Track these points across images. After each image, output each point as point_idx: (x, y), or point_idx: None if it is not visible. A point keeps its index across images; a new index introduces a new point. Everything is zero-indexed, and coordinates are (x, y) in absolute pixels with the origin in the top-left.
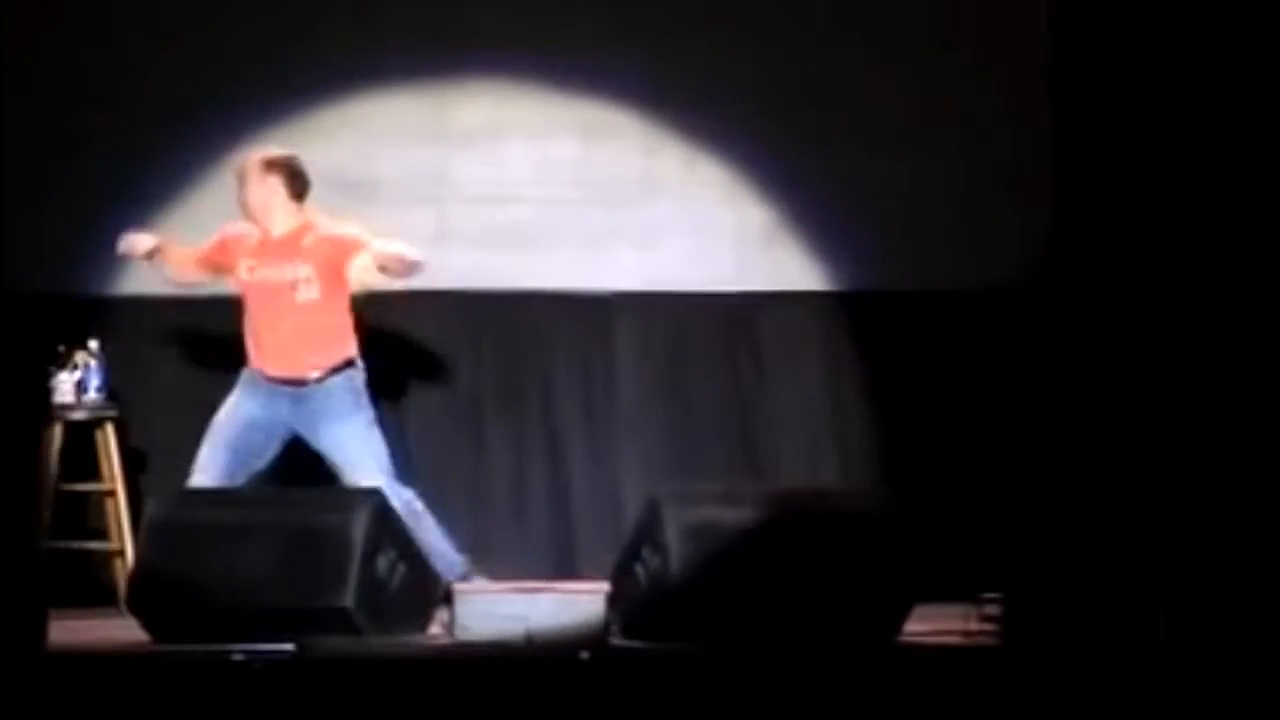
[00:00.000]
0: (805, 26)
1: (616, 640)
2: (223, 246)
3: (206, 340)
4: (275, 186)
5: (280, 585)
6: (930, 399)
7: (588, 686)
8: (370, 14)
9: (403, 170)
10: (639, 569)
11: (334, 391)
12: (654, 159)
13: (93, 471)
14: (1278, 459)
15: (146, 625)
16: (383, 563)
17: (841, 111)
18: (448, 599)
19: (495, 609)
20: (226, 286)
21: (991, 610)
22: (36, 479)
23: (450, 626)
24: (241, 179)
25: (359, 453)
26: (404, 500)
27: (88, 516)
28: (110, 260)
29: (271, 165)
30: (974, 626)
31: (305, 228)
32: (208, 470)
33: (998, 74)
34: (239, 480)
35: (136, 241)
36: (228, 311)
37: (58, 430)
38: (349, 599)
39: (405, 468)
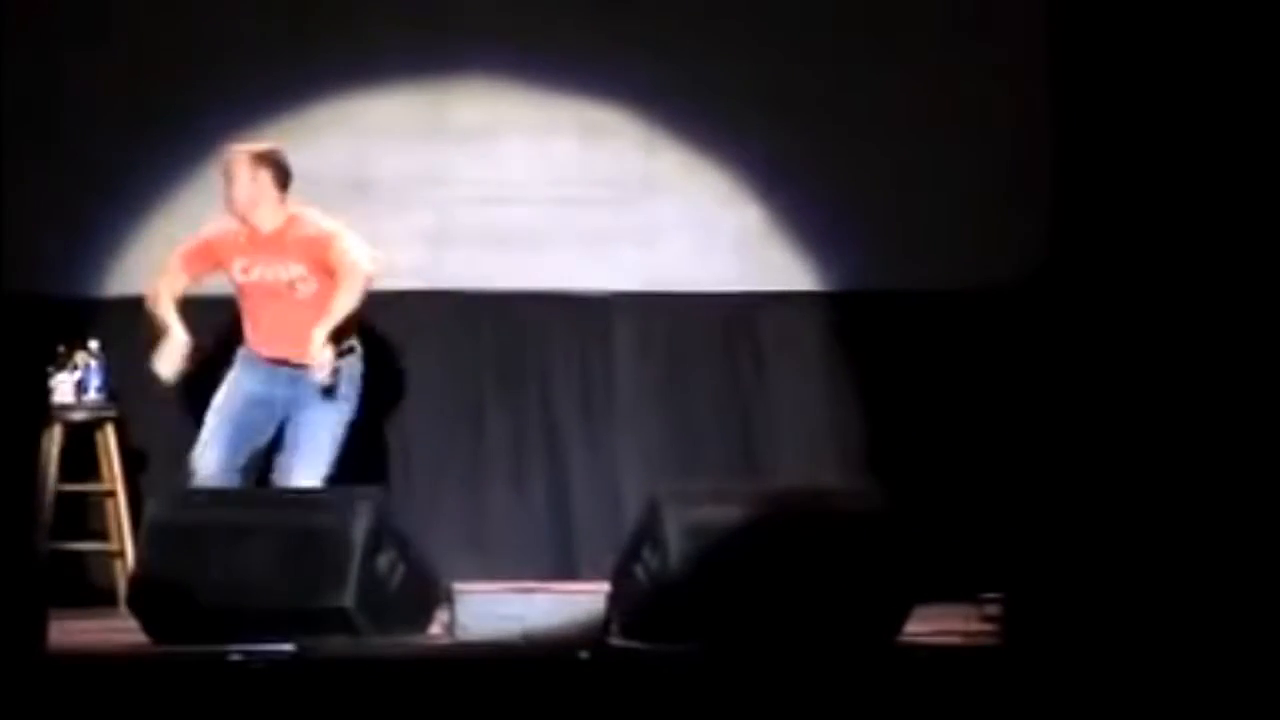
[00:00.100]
0: (805, 27)
1: (616, 640)
2: (207, 251)
3: (207, 340)
4: (266, 182)
5: (280, 585)
6: (930, 399)
7: (587, 686)
8: (368, 12)
9: (401, 170)
10: (639, 569)
11: (328, 390)
12: (654, 159)
13: (93, 472)
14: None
15: (146, 626)
16: (382, 563)
17: (841, 111)
18: (448, 599)
19: (495, 609)
20: (227, 287)
21: (991, 610)
22: (36, 479)
23: (450, 626)
24: (229, 174)
25: (320, 445)
26: None
27: (88, 517)
28: (109, 260)
29: (262, 159)
30: (974, 626)
31: (291, 221)
32: (212, 445)
33: (998, 74)
34: (242, 456)
35: (170, 359)
36: (228, 312)
37: (58, 431)
38: (349, 599)
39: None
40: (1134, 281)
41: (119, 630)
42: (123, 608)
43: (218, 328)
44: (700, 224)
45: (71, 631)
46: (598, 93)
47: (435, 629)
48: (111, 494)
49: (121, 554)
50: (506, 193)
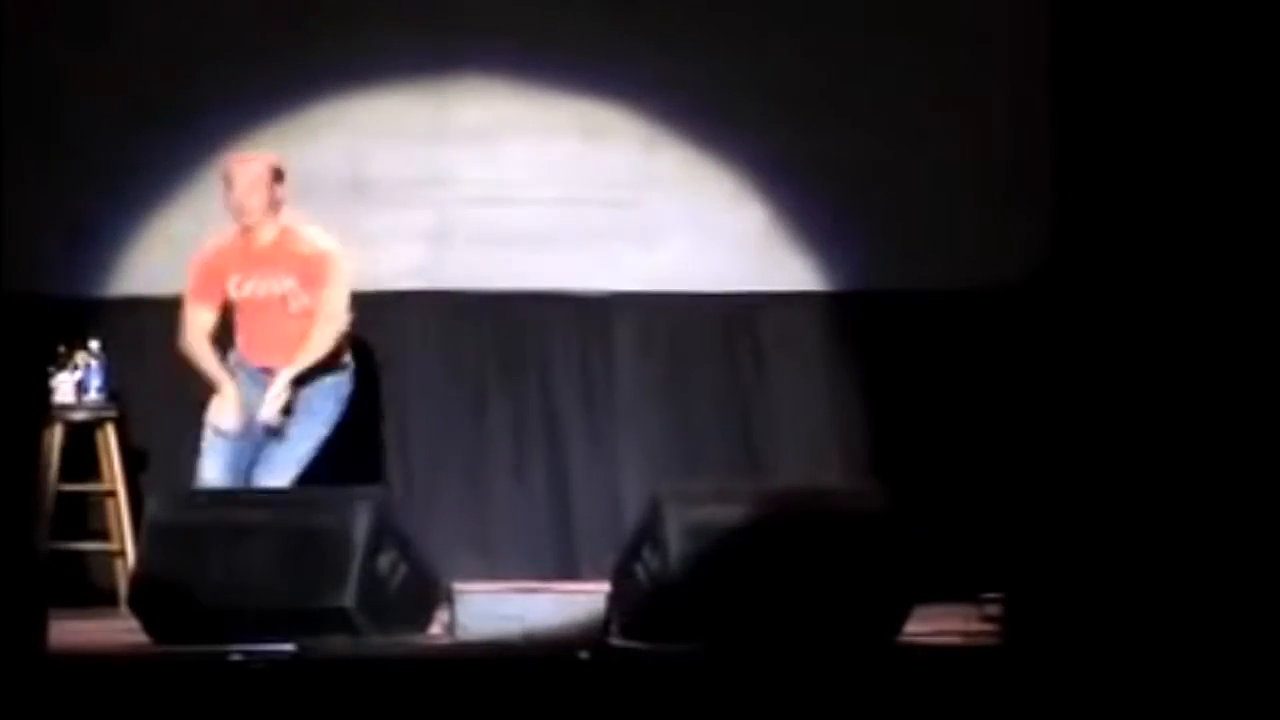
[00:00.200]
0: (806, 26)
1: (616, 640)
2: (210, 274)
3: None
4: (278, 194)
5: (280, 585)
6: (930, 399)
7: (587, 686)
8: (368, 12)
9: (401, 170)
10: (639, 569)
11: (322, 388)
12: (654, 158)
13: (93, 472)
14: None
15: (147, 626)
16: (383, 563)
17: (842, 111)
18: (448, 599)
19: (495, 609)
20: None
21: (992, 610)
22: (36, 479)
23: (450, 626)
24: (243, 182)
25: (291, 457)
26: None
27: (88, 517)
28: (109, 260)
29: (277, 171)
30: (974, 626)
31: (285, 234)
32: (212, 453)
33: (999, 73)
34: (244, 460)
35: (229, 413)
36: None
37: (58, 430)
38: (349, 599)
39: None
40: (1136, 281)
41: (119, 630)
42: (123, 608)
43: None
44: (701, 224)
45: (71, 631)
46: (598, 92)
47: (435, 629)
48: (112, 494)
49: (122, 554)
50: (507, 193)
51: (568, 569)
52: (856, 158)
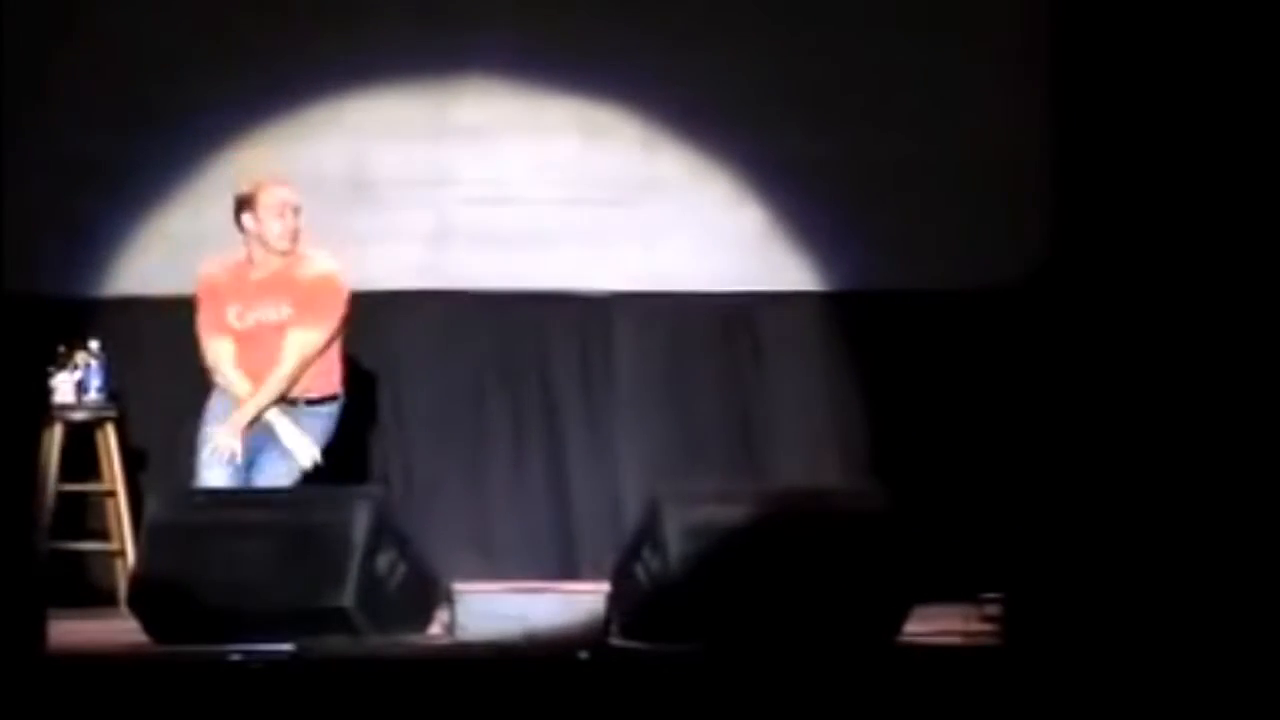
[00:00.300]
0: (806, 27)
1: (616, 640)
2: (216, 297)
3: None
4: (298, 230)
5: (280, 585)
6: (930, 399)
7: (587, 686)
8: (368, 12)
9: (401, 170)
10: (639, 569)
11: (316, 419)
12: (654, 159)
13: (93, 472)
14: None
15: (146, 626)
16: (382, 562)
17: (841, 111)
18: (448, 599)
19: (495, 609)
20: None
21: (991, 610)
22: (36, 479)
23: (450, 626)
24: (283, 211)
25: (272, 480)
26: None
27: (88, 517)
28: (109, 260)
29: (298, 209)
30: (974, 626)
31: (288, 260)
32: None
33: (999, 73)
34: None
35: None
36: None
37: (58, 430)
38: (349, 599)
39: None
40: (1135, 281)
41: (119, 630)
42: (123, 608)
43: None
44: (701, 223)
45: (71, 631)
46: (598, 92)
47: (435, 629)
48: (112, 494)
49: (122, 554)
50: (507, 193)
51: (568, 569)
52: (856, 158)
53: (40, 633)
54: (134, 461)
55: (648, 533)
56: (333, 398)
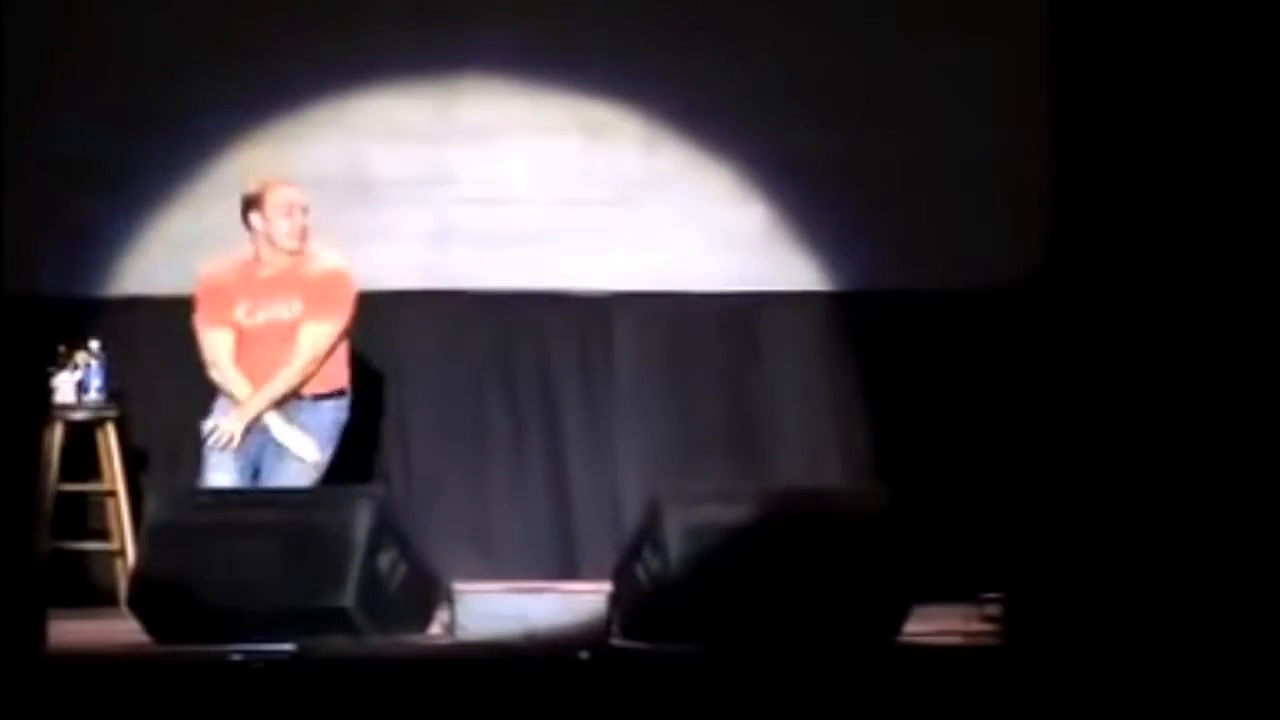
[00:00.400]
0: (806, 26)
1: (617, 640)
2: (223, 299)
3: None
4: (306, 229)
5: (280, 585)
6: (930, 399)
7: (588, 686)
8: (368, 12)
9: (401, 170)
10: (639, 569)
11: (322, 414)
12: (654, 158)
13: (93, 471)
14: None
15: (147, 626)
16: (383, 562)
17: (842, 111)
18: (448, 599)
19: (495, 609)
20: None
21: (992, 610)
22: (36, 479)
23: (450, 626)
24: (292, 210)
25: (286, 480)
26: None
27: (88, 516)
28: (109, 260)
29: (306, 208)
30: (974, 626)
31: (296, 258)
32: (217, 473)
33: (998, 73)
34: (247, 478)
35: (229, 430)
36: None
37: (58, 430)
38: (349, 599)
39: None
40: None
41: (119, 630)
42: (123, 608)
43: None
44: (701, 223)
45: (71, 631)
46: (598, 92)
47: (435, 629)
48: (112, 494)
49: (122, 554)
50: (507, 192)
51: (568, 569)
52: (857, 158)
53: (40, 633)
54: (134, 461)
55: (648, 533)
56: (340, 392)
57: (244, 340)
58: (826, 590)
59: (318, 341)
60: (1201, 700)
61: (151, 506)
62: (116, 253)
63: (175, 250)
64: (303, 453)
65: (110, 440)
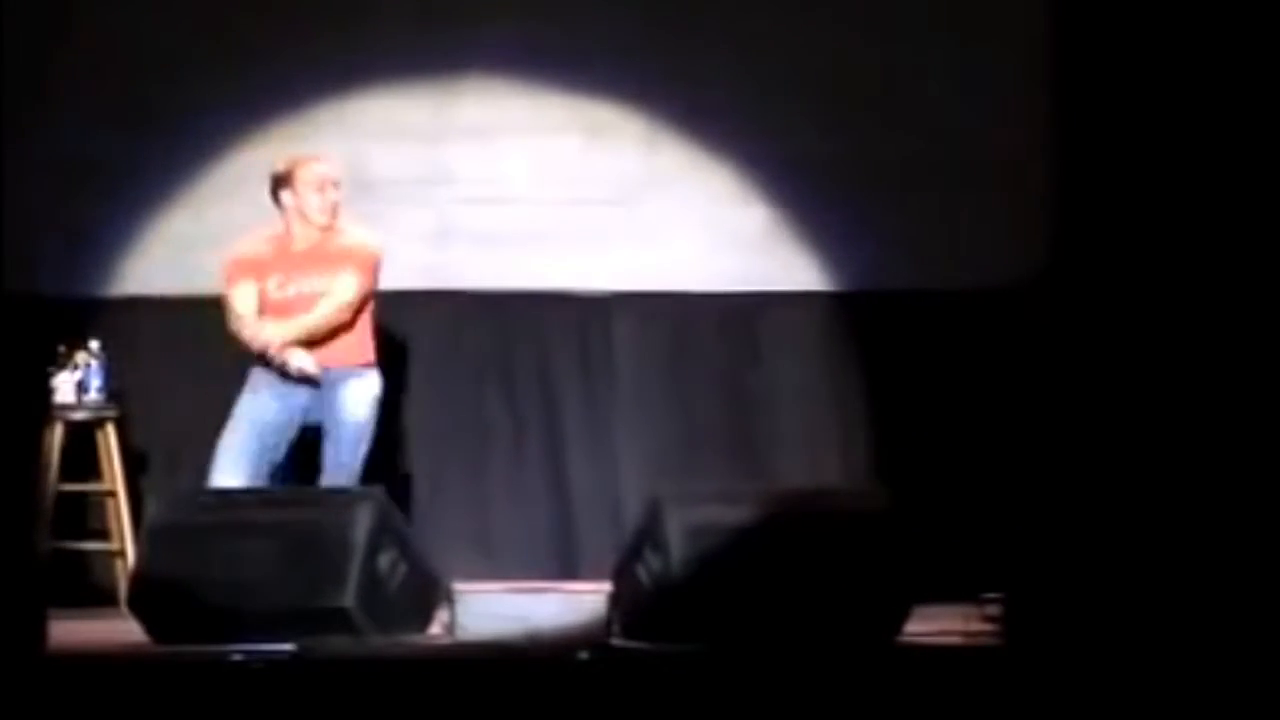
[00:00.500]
0: (806, 26)
1: (617, 640)
2: (252, 269)
3: (207, 340)
4: (338, 204)
5: (280, 585)
6: (930, 399)
7: (588, 686)
8: (368, 12)
9: (401, 170)
10: (640, 569)
11: (353, 385)
12: (654, 158)
13: (93, 472)
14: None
15: (147, 626)
16: (383, 562)
17: (842, 111)
18: (448, 599)
19: (495, 609)
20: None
21: (992, 610)
22: (36, 479)
23: (450, 626)
24: (323, 185)
25: (346, 462)
26: None
27: (88, 516)
28: (109, 260)
29: (337, 183)
30: (974, 626)
31: (327, 233)
32: (231, 470)
33: (1001, 72)
34: (261, 478)
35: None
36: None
37: (58, 430)
38: (349, 599)
39: (404, 469)
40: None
41: (119, 630)
42: (123, 608)
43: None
44: (702, 223)
45: (71, 631)
46: (599, 91)
47: (435, 629)
48: (112, 494)
49: (122, 554)
50: (507, 192)
51: (568, 569)
52: (858, 157)
53: (40, 633)
54: (134, 462)
55: (649, 533)
56: (370, 365)
57: (274, 312)
58: (827, 590)
59: (349, 288)
60: (1201, 700)
61: (151, 507)
62: (117, 253)
63: (175, 251)
64: (354, 413)
65: (110, 440)
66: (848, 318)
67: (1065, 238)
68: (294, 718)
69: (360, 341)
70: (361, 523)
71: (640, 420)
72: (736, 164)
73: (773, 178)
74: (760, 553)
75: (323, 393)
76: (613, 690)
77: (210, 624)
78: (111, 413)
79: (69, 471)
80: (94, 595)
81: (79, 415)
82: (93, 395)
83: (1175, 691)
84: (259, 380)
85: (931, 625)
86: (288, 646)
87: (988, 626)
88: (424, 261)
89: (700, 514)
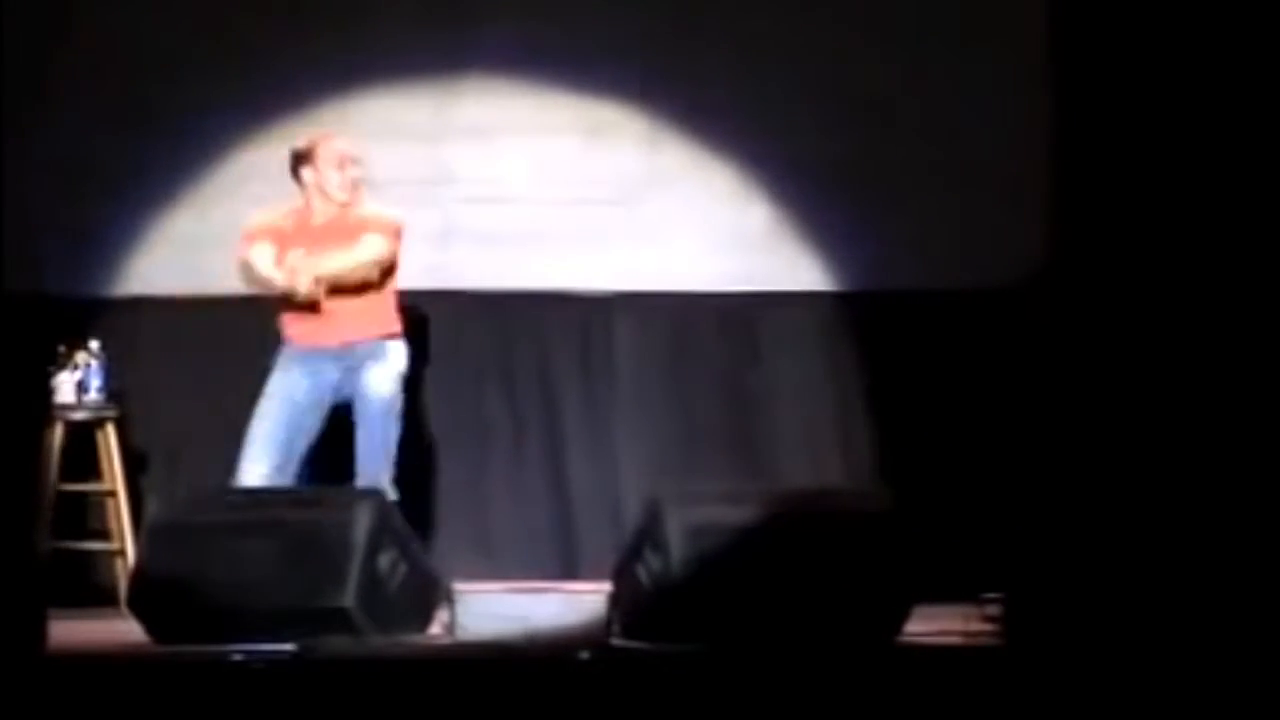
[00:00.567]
0: (807, 26)
1: (617, 641)
2: (276, 235)
3: (208, 340)
4: (358, 181)
5: (281, 585)
6: (931, 399)
7: (588, 686)
8: (369, 12)
9: (403, 170)
10: (640, 569)
11: (380, 358)
12: (654, 158)
13: (93, 471)
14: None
15: (147, 626)
16: (384, 562)
17: (843, 111)
18: (448, 599)
19: (495, 609)
20: (227, 286)
21: (992, 610)
22: (36, 479)
23: (450, 626)
24: (344, 162)
25: (380, 440)
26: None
27: (88, 516)
28: (110, 260)
29: (357, 160)
30: (974, 626)
31: (346, 209)
32: (262, 456)
33: (1001, 73)
34: (293, 462)
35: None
36: (228, 312)
37: (58, 430)
38: (349, 599)
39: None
40: (1135, 282)
41: (119, 630)
42: (123, 608)
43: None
44: (703, 223)
45: (71, 631)
46: (600, 91)
47: (435, 629)
48: (112, 494)
49: (122, 554)
50: (508, 192)
51: (568, 569)
52: (858, 157)
53: (40, 633)
54: (134, 462)
55: (649, 533)
56: (394, 335)
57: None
58: (827, 590)
59: (377, 245)
60: (1201, 700)
61: (152, 506)
62: (118, 253)
63: (177, 251)
64: (381, 389)
65: (110, 440)
66: (849, 317)
67: (1064, 238)
68: (294, 718)
69: (386, 311)
70: (361, 523)
71: (640, 420)
72: (737, 164)
73: (774, 177)
74: (760, 553)
75: (351, 369)
76: (613, 690)
77: (210, 624)
78: (112, 413)
79: (69, 471)
80: (94, 595)
81: (79, 415)
82: (93, 395)
83: (1175, 691)
84: (289, 358)
85: (931, 625)
86: (288, 646)
87: (988, 626)
88: (425, 261)
89: (700, 514)
